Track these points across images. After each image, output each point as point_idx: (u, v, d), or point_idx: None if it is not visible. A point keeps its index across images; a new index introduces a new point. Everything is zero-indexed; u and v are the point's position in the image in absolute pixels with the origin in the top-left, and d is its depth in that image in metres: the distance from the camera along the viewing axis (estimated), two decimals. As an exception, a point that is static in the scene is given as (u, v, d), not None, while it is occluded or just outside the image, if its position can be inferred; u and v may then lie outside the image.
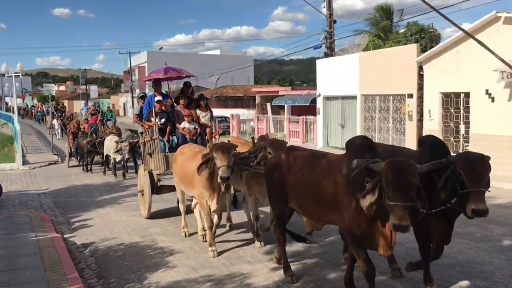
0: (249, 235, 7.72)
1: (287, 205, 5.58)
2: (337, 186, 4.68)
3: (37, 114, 50.60)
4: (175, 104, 9.88)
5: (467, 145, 14.16)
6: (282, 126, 26.25)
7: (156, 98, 9.62)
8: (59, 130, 29.60)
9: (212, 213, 6.91)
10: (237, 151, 6.72)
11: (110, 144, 14.72)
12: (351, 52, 21.86)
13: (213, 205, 6.72)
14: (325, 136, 21.68)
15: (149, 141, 9.30)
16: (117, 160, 14.54)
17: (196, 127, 9.33)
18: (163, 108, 9.51)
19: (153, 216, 9.49)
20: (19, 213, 10.03)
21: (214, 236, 7.21)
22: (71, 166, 17.72)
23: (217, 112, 29.35)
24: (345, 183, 4.58)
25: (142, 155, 10.06)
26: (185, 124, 9.25)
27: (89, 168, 16.52)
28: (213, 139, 9.54)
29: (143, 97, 11.26)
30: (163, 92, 10.37)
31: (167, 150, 9.11)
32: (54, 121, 29.61)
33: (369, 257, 4.64)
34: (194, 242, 7.56)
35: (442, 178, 4.50)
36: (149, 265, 6.58)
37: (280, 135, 25.86)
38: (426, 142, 5.13)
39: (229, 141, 7.82)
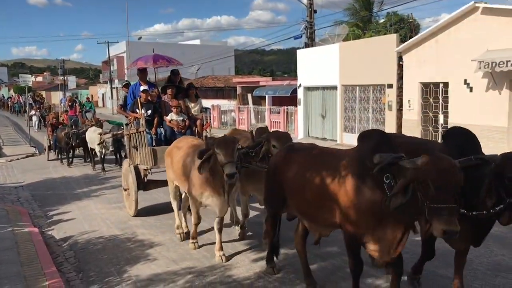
0: (230, 228, 7.69)
1: (284, 207, 5.27)
2: (348, 186, 4.18)
3: (14, 105, 49.54)
4: (162, 94, 9.35)
5: (446, 135, 14.30)
6: (263, 117, 26.21)
7: (142, 88, 9.00)
8: (37, 122, 28.82)
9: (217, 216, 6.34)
10: (240, 146, 6.10)
11: (93, 136, 14.07)
12: (331, 42, 21.88)
13: (217, 207, 6.22)
14: (306, 126, 21.73)
15: (134, 133, 8.62)
16: (103, 154, 13.91)
17: (185, 119, 8.76)
18: (149, 98, 8.91)
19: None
20: (-5, 207, 9.82)
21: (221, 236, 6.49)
22: (51, 160, 17.08)
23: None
24: (358, 182, 4.11)
25: (128, 148, 9.25)
26: (172, 116, 8.66)
27: (69, 161, 15.74)
28: (204, 131, 9.01)
29: (127, 85, 10.67)
30: (149, 80, 9.72)
31: (154, 144, 8.49)
32: (32, 112, 28.99)
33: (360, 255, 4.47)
34: (174, 234, 7.50)
35: (485, 181, 3.99)
36: (129, 258, 6.51)
37: (261, 125, 25.83)
38: (451, 134, 4.69)
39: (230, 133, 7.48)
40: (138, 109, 8.62)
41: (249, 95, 29.29)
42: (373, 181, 4.00)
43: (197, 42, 60.95)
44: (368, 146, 4.17)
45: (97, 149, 13.93)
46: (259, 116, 26.84)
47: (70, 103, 19.71)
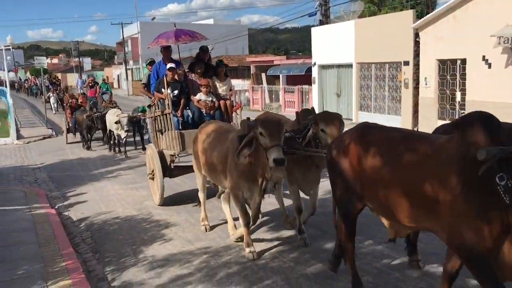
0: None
1: (361, 202, 4.24)
2: (444, 182, 3.34)
3: (32, 87, 49.48)
4: (188, 73, 8.59)
5: (463, 112, 14.09)
6: (278, 96, 26.08)
7: (168, 66, 8.21)
8: (55, 105, 28.33)
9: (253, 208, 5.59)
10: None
11: (113, 119, 13.49)
12: (346, 19, 21.55)
13: (255, 199, 5.44)
14: (320, 105, 21.56)
15: (159, 116, 8.04)
16: (121, 137, 13.32)
17: (214, 99, 8.08)
18: (176, 77, 8.20)
19: (148, 188, 9.46)
20: (13, 188, 9.96)
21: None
22: (69, 143, 16.68)
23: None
24: (460, 179, 3.25)
25: (152, 132, 8.73)
26: (201, 96, 8.00)
27: (89, 145, 15.43)
28: (234, 113, 8.38)
29: (151, 63, 9.97)
30: (173, 58, 8.94)
31: (180, 127, 7.92)
32: (50, 94, 28.70)
33: None
34: (190, 215, 7.54)
35: None
36: (145, 238, 6.56)
37: (275, 105, 25.73)
38: None
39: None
40: (164, 89, 7.95)
41: (263, 75, 29.11)
42: (479, 180, 3.13)
43: (210, 21, 60.48)
44: (471, 136, 3.25)
45: (115, 131, 13.58)
46: (273, 96, 26.71)
47: (91, 83, 19.04)
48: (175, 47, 9.01)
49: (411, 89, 16.26)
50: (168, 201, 8.40)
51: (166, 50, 8.70)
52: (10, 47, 23.62)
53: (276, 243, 6.09)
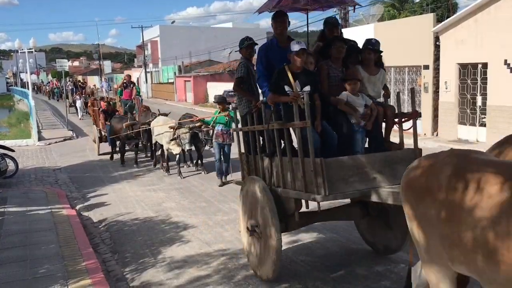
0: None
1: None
2: None
3: (54, 90, 47.45)
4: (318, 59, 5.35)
5: (484, 117, 13.91)
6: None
7: (295, 46, 4.78)
8: (81, 109, 25.92)
9: None
10: None
11: (161, 129, 10.88)
12: (365, 23, 21.45)
13: None
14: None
15: (273, 129, 4.91)
16: (174, 153, 10.69)
17: (368, 103, 4.99)
18: (306, 65, 5.01)
19: (166, 190, 9.54)
20: (34, 189, 10.13)
21: None
22: (101, 154, 14.37)
23: (230, 86, 29.12)
24: None
25: (251, 155, 5.55)
26: (348, 96, 4.95)
27: (123, 159, 12.84)
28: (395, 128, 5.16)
29: (251, 45, 5.88)
30: (290, 36, 5.46)
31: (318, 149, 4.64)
32: (76, 97, 27.08)
33: None
34: (207, 217, 7.58)
35: None
36: (163, 239, 6.62)
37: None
38: None
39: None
40: (289, 85, 4.73)
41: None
42: None
43: (229, 25, 60.74)
44: None
45: (165, 146, 10.86)
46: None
47: (125, 83, 15.64)
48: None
49: (431, 93, 16.10)
50: (185, 203, 8.47)
51: (283, 23, 5.35)
52: (33, 50, 23.96)
53: (293, 246, 6.09)
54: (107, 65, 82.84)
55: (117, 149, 13.22)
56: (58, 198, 9.08)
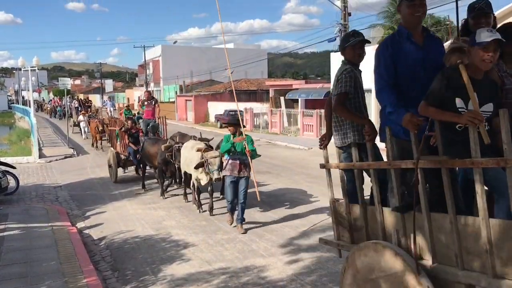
0: (261, 230, 7.74)
1: None
2: None
3: (56, 108, 46.29)
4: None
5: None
6: (296, 120, 26.16)
7: (485, 34, 3.06)
8: (86, 128, 24.74)
9: None
10: None
11: (190, 156, 8.99)
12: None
13: None
14: (339, 129, 21.52)
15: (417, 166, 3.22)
16: (202, 183, 8.86)
17: None
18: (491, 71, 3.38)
19: (167, 208, 9.56)
20: (35, 206, 10.14)
21: None
22: (118, 182, 12.80)
23: (230, 105, 29.36)
24: None
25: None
26: None
27: (164, 190, 10.82)
28: None
29: (361, 42, 4.55)
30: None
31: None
32: (81, 117, 26.08)
33: None
34: (207, 236, 7.59)
35: None
36: (163, 258, 6.63)
37: (293, 128, 25.82)
38: None
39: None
40: (463, 97, 3.11)
41: (282, 98, 29.27)
42: None
43: (231, 45, 61.36)
44: None
45: (193, 173, 8.97)
46: (292, 119, 26.81)
47: (147, 100, 13.74)
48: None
49: (431, 115, 16.22)
50: (185, 222, 8.49)
51: (422, 5, 3.65)
52: (36, 68, 24.15)
53: (294, 265, 6.10)
54: (109, 84, 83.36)
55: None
56: (59, 215, 9.09)
